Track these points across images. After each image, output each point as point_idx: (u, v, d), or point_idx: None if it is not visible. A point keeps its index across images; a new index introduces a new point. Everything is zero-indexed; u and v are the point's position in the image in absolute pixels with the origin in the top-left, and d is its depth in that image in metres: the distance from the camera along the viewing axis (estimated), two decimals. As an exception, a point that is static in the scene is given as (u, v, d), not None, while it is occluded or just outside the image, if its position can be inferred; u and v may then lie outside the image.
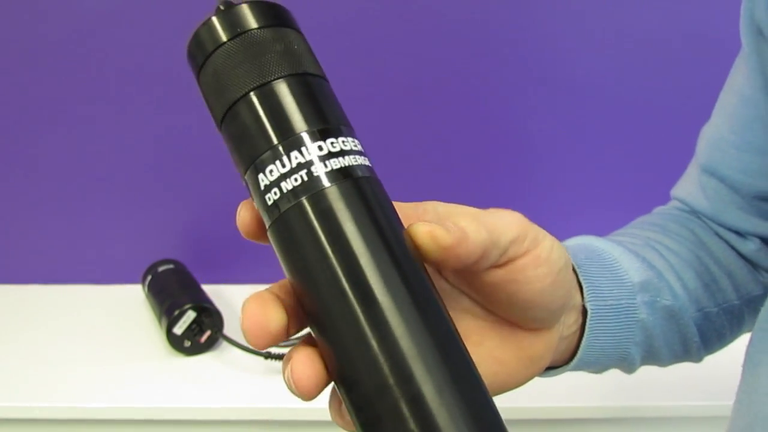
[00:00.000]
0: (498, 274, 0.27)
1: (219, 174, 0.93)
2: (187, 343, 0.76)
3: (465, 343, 0.24)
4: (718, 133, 0.44)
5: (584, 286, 0.34)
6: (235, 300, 0.88)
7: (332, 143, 0.24)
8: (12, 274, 0.96)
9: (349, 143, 0.25)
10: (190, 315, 0.75)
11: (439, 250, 0.24)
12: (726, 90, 0.45)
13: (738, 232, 0.43)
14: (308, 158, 0.24)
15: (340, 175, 0.24)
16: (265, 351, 0.73)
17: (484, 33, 0.89)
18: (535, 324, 0.30)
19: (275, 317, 0.24)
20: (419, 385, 0.22)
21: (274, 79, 0.25)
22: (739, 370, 0.36)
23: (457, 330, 0.24)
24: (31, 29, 0.88)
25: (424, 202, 0.29)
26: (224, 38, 0.26)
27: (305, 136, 0.24)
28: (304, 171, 0.24)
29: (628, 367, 0.39)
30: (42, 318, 0.87)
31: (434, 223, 0.24)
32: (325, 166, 0.24)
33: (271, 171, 0.24)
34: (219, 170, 0.93)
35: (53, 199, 0.94)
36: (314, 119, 0.25)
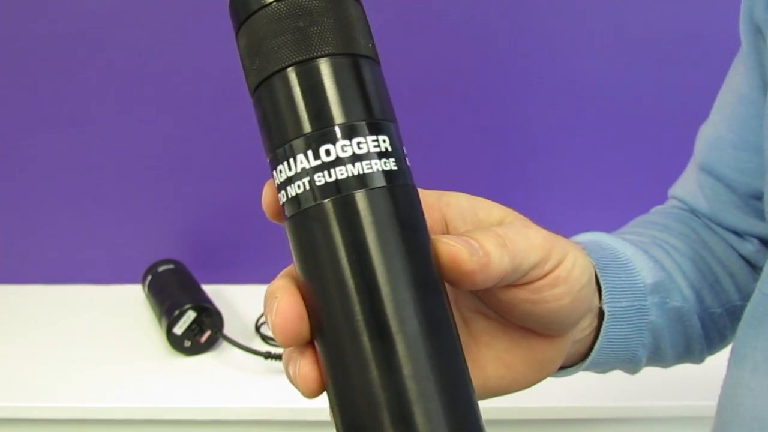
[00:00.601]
0: (513, 293, 0.26)
1: (219, 174, 0.93)
2: (187, 343, 0.76)
3: (474, 342, 0.23)
4: (716, 132, 0.44)
5: (603, 288, 0.33)
6: (235, 300, 0.88)
7: (369, 142, 0.22)
8: (12, 274, 0.96)
9: (387, 142, 0.22)
10: (190, 315, 0.75)
11: (458, 274, 0.23)
12: (724, 89, 0.45)
13: (736, 233, 0.43)
14: (339, 155, 0.21)
15: (371, 181, 0.21)
16: (265, 351, 0.73)
17: (486, 33, 0.89)
18: (550, 333, 0.29)
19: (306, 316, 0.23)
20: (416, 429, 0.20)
21: (317, 57, 0.22)
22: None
23: (465, 362, 0.23)
24: (32, 29, 0.88)
25: (448, 193, 0.28)
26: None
27: (340, 130, 0.21)
28: (333, 170, 0.21)
29: (633, 368, 0.39)
30: (42, 318, 0.87)
31: (457, 241, 0.23)
32: (356, 168, 0.21)
33: (297, 162, 0.22)
34: (219, 170, 0.93)
35: (54, 199, 0.94)
36: (353, 111, 0.22)
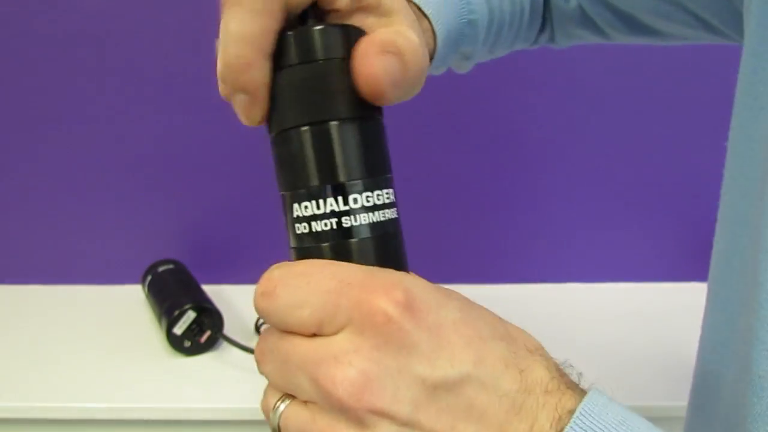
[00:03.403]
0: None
1: (219, 174, 0.93)
2: (187, 343, 0.76)
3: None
4: None
5: None
6: (235, 300, 0.88)
7: (367, 197, 0.25)
8: (12, 274, 0.96)
9: (383, 197, 0.26)
10: (190, 315, 0.75)
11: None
12: None
13: None
14: (341, 208, 0.25)
15: (365, 231, 0.25)
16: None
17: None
18: None
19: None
20: None
21: (329, 120, 0.25)
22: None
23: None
24: (32, 29, 0.88)
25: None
26: (296, 60, 0.25)
27: (342, 186, 0.25)
28: (334, 220, 0.25)
29: (470, 45, 0.43)
30: (42, 318, 0.87)
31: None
32: (354, 219, 0.25)
33: (305, 207, 0.25)
34: (219, 171, 0.93)
35: (53, 199, 0.94)
36: (356, 170, 0.25)
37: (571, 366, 0.26)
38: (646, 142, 0.93)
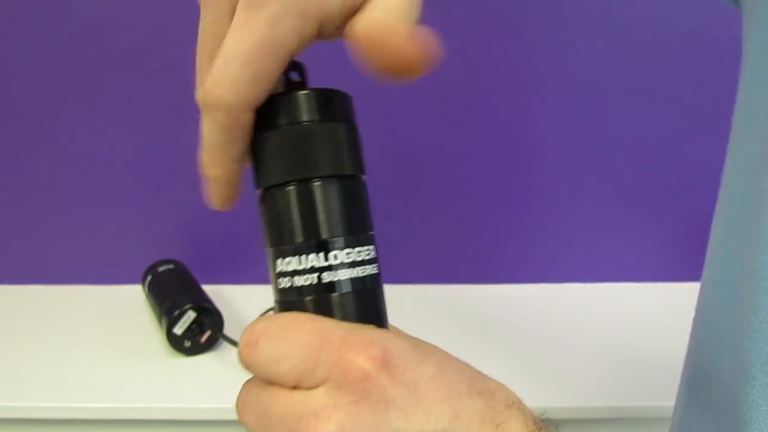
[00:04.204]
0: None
1: (219, 174, 0.93)
2: (187, 343, 0.76)
3: None
4: None
5: None
6: (235, 300, 0.88)
7: (348, 254, 0.26)
8: (12, 274, 0.96)
9: (363, 253, 0.26)
10: (190, 315, 0.75)
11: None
12: None
13: None
14: (322, 264, 0.26)
15: (346, 286, 0.26)
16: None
17: (489, 36, 0.89)
18: None
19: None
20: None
21: (313, 179, 0.26)
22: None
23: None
24: (32, 29, 0.88)
25: None
26: (282, 121, 0.26)
27: (325, 243, 0.26)
28: (316, 275, 0.26)
29: None
30: (42, 318, 0.87)
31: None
32: (336, 274, 0.26)
33: (288, 262, 0.26)
34: (219, 170, 0.93)
35: (53, 199, 0.94)
36: (338, 227, 0.26)
37: (549, 419, 0.27)
38: (647, 143, 0.93)
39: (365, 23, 0.25)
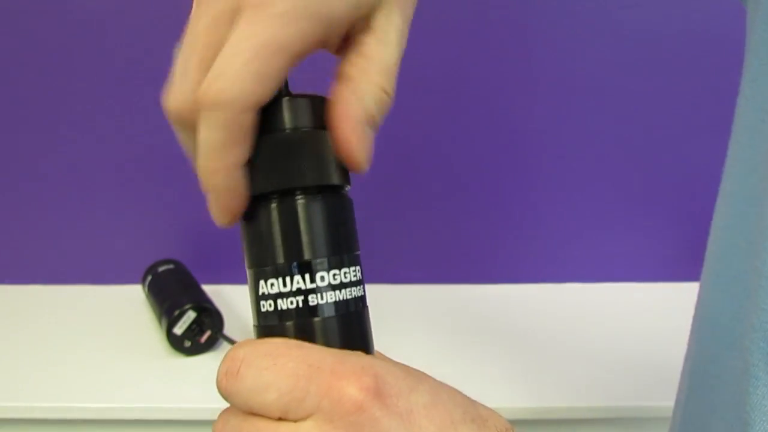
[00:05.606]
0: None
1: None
2: (187, 343, 0.76)
3: None
4: None
5: None
6: (235, 300, 0.88)
7: (334, 275, 0.25)
8: (12, 274, 0.96)
9: (350, 274, 0.25)
10: (190, 315, 0.75)
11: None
12: None
13: None
14: (308, 287, 0.25)
15: (330, 309, 0.25)
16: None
17: (487, 35, 0.89)
18: None
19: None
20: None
21: (296, 188, 0.25)
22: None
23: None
24: (32, 29, 0.88)
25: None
26: (267, 128, 0.25)
27: (309, 264, 0.25)
28: (301, 298, 0.24)
29: None
30: (42, 318, 0.87)
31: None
32: (320, 297, 0.25)
33: (271, 284, 0.25)
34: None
35: (53, 199, 0.94)
36: (322, 248, 0.25)
37: None
38: (646, 143, 0.93)
39: (337, 99, 0.25)
